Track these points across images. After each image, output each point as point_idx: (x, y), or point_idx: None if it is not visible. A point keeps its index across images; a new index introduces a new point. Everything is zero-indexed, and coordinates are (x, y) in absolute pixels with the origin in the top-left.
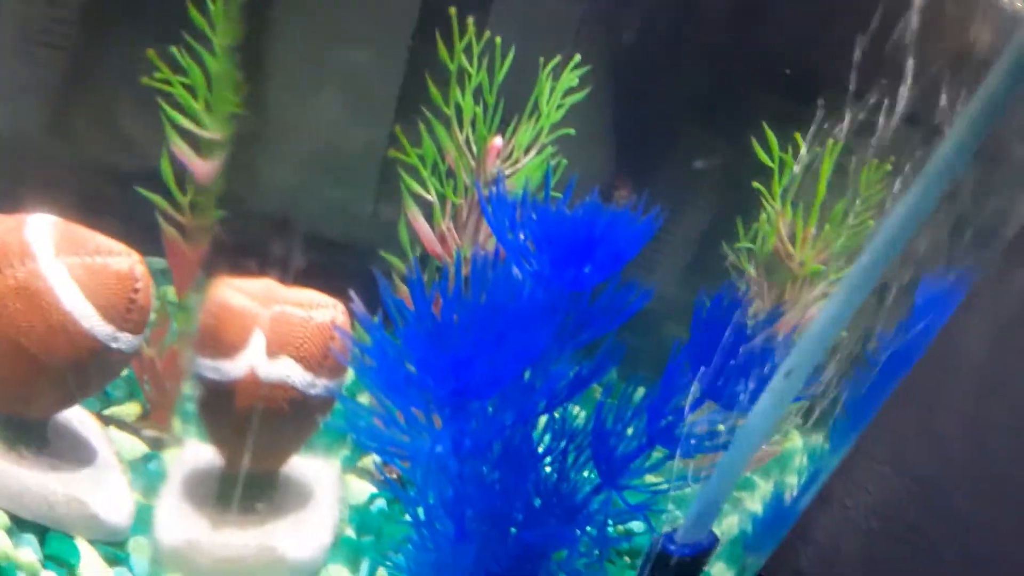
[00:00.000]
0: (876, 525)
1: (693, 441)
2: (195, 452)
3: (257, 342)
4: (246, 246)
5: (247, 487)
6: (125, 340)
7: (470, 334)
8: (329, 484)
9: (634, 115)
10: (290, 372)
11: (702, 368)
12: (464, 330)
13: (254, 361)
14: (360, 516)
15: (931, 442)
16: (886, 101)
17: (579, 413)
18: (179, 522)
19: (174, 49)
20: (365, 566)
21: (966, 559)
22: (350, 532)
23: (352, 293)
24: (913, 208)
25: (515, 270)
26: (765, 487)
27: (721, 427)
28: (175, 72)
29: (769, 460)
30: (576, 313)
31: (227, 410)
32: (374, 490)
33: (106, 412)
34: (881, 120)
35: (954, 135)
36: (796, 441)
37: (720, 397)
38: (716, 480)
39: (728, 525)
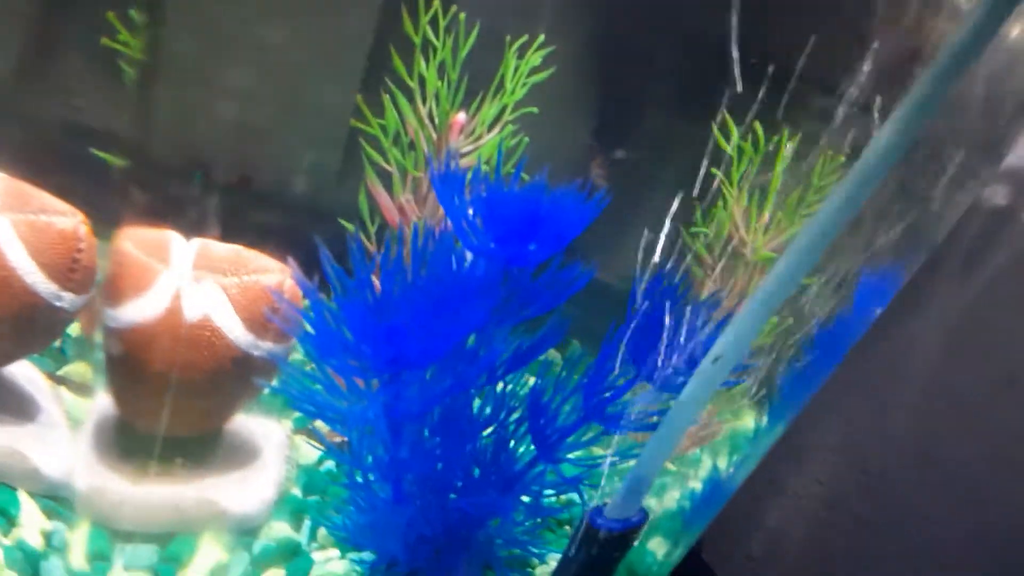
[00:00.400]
0: (825, 514)
1: (626, 420)
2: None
3: (160, 290)
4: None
5: (175, 441)
6: (68, 299)
7: (407, 304)
8: (277, 443)
9: (605, 96)
10: (231, 328)
11: (630, 348)
12: (401, 300)
13: (152, 309)
14: (308, 476)
15: (882, 436)
16: (844, 92)
17: (526, 385)
18: (92, 470)
19: (133, 12)
20: (307, 525)
21: (908, 549)
22: (296, 491)
23: (290, 258)
24: (843, 202)
25: (459, 244)
26: (710, 464)
27: (654, 407)
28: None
29: (719, 439)
30: (518, 289)
31: (127, 357)
32: (321, 452)
33: (60, 372)
34: (838, 110)
35: (885, 132)
36: (747, 421)
37: (654, 378)
38: (644, 459)
39: (670, 500)
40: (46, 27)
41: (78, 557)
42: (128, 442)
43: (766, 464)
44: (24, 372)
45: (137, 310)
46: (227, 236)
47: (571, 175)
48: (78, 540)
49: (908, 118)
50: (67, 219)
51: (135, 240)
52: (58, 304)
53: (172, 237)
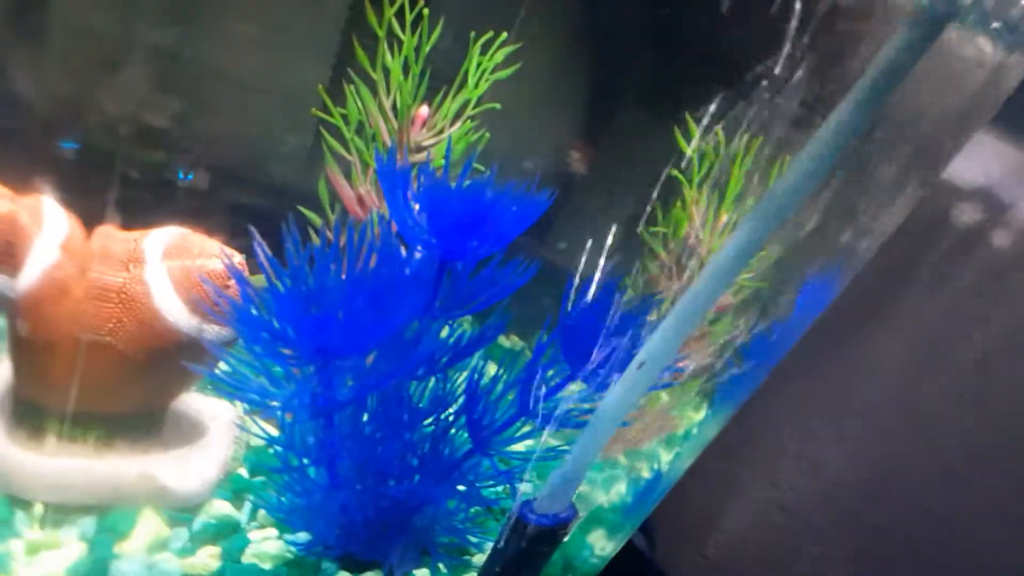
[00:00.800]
0: (779, 519)
1: (556, 417)
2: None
3: (35, 258)
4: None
5: (117, 417)
6: (1, 281)
7: (338, 295)
8: (225, 423)
9: (576, 93)
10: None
11: (565, 346)
12: (333, 290)
13: (28, 278)
14: (256, 457)
15: (839, 445)
16: (802, 95)
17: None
18: (14, 442)
19: None
20: (248, 505)
21: (855, 554)
22: (243, 471)
23: (221, 244)
24: (771, 210)
25: (396, 237)
26: (665, 458)
27: (585, 406)
28: None
29: (677, 432)
30: (458, 285)
31: (18, 329)
32: (262, 434)
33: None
34: (794, 112)
35: (814, 140)
36: (676, 420)
37: (587, 378)
38: (572, 457)
39: (614, 494)
40: None
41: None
42: (41, 415)
43: (725, 468)
44: None
45: (22, 279)
46: (182, 218)
47: (543, 165)
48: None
49: (836, 129)
50: (1, 201)
51: (24, 208)
52: None
53: (46, 202)
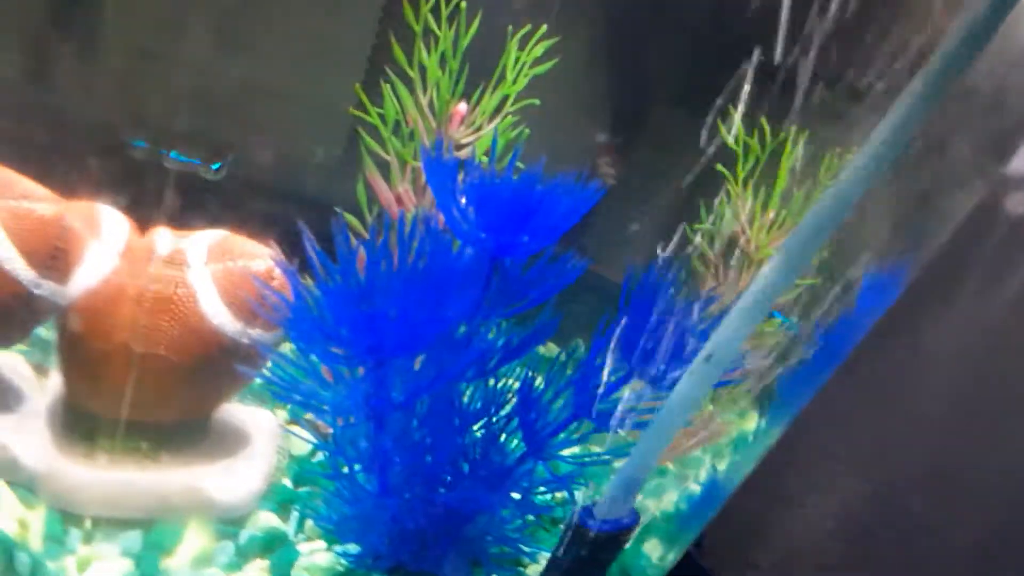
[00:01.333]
0: (831, 525)
1: (617, 418)
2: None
3: (91, 264)
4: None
5: (160, 427)
6: (49, 287)
7: (391, 293)
8: (269, 433)
9: (612, 88)
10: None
11: (622, 344)
12: (385, 288)
13: (84, 283)
14: (300, 467)
15: (892, 448)
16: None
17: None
18: (59, 454)
19: None
20: (295, 516)
21: (912, 562)
22: (287, 482)
23: (272, 243)
24: (837, 201)
25: (448, 233)
26: (697, 468)
27: (646, 405)
28: None
29: (722, 440)
30: (509, 281)
31: (70, 335)
32: (308, 443)
33: (44, 363)
34: (845, 107)
35: (881, 130)
36: (752, 423)
37: (648, 375)
38: (634, 459)
39: (667, 502)
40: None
41: (36, 541)
42: (92, 427)
43: (773, 473)
44: (7, 362)
45: (74, 285)
46: (219, 223)
47: (576, 167)
48: (38, 524)
49: (904, 116)
50: (48, 206)
51: (74, 214)
52: (38, 292)
53: (103, 209)
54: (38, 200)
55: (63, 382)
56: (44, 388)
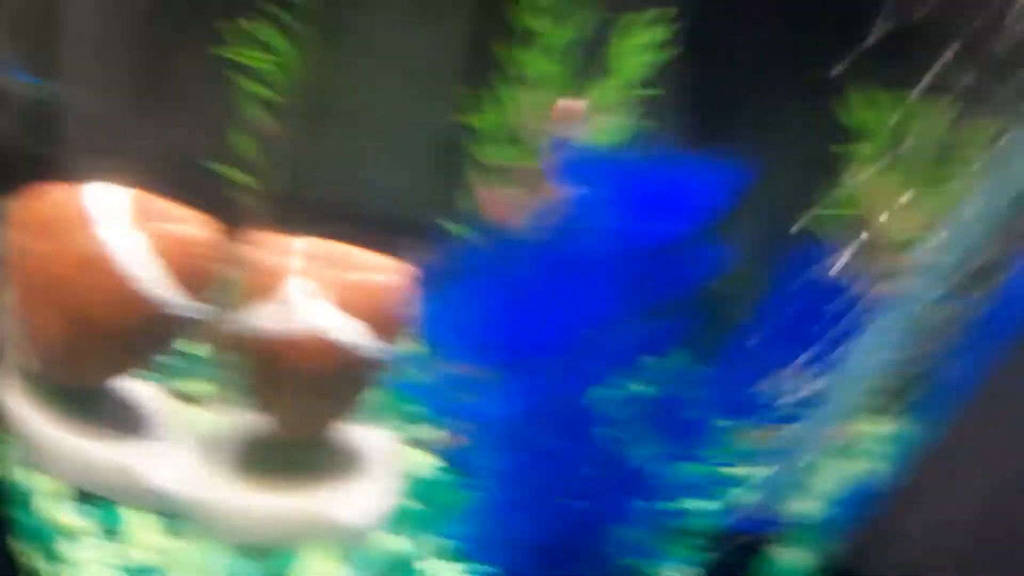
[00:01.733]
0: (981, 529)
1: (764, 413)
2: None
3: (289, 295)
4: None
5: (285, 448)
6: (188, 306)
7: (531, 291)
8: (387, 452)
9: (722, 71)
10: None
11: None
12: (525, 287)
13: (282, 313)
14: (421, 485)
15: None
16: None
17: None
18: (204, 482)
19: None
20: (419, 537)
21: None
22: (409, 501)
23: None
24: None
25: (584, 225)
26: (845, 470)
27: (796, 398)
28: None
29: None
30: (650, 271)
31: (256, 365)
32: (433, 460)
33: (177, 386)
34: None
35: None
36: (882, 426)
37: (796, 367)
38: (786, 458)
39: (805, 508)
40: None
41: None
42: (242, 453)
43: (919, 472)
44: (139, 385)
45: (269, 315)
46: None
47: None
48: (184, 555)
49: None
50: (190, 226)
51: (258, 243)
52: (176, 312)
53: (295, 241)
54: (180, 220)
55: (263, 410)
56: (174, 411)
